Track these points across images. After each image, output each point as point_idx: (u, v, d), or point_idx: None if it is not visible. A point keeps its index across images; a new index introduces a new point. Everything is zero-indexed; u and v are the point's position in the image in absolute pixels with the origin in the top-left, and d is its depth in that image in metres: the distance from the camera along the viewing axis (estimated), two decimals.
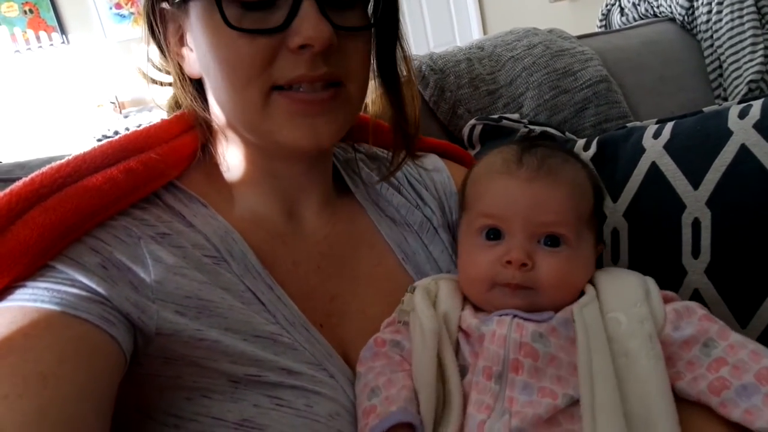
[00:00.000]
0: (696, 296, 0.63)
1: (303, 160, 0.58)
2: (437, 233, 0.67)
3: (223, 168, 0.59)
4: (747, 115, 0.63)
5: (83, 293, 0.43)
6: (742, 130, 0.62)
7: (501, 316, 0.49)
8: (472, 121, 0.91)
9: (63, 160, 0.49)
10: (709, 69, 0.99)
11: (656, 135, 0.71)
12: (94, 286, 0.43)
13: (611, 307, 0.48)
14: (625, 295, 0.49)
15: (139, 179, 0.52)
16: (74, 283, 0.43)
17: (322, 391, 0.48)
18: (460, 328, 0.51)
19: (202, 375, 0.46)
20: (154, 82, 0.61)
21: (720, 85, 0.97)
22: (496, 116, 0.89)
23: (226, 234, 0.53)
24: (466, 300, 0.54)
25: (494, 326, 0.48)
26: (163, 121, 0.60)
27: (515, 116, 0.89)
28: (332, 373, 0.50)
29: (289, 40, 0.47)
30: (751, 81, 0.89)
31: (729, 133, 0.63)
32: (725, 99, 0.96)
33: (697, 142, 0.66)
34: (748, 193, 0.60)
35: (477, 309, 0.53)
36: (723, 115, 0.66)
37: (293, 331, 0.50)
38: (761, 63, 0.89)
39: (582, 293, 0.52)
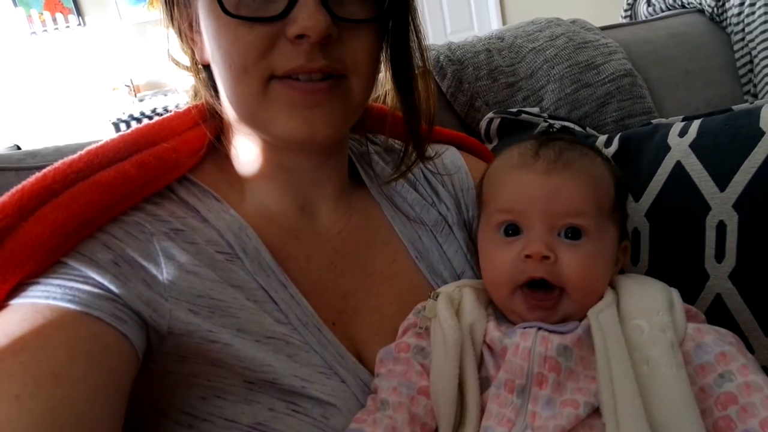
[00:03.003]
0: (718, 302, 0.61)
1: (315, 154, 0.57)
2: (452, 232, 0.66)
3: (236, 161, 0.58)
4: None
5: (96, 290, 0.42)
6: None
7: (525, 328, 0.47)
8: (490, 114, 0.89)
9: (75, 155, 0.48)
10: (739, 64, 0.96)
11: (682, 133, 0.69)
12: (106, 283, 0.43)
13: (633, 314, 0.47)
14: (648, 303, 0.47)
15: (152, 173, 0.51)
16: (87, 280, 0.43)
17: (337, 403, 0.47)
18: (484, 341, 0.50)
19: (216, 375, 0.46)
20: (179, 65, 0.59)
21: (750, 80, 0.93)
22: (514, 110, 0.87)
23: (239, 229, 0.52)
24: (490, 311, 0.53)
25: (518, 339, 0.46)
26: (176, 112, 0.59)
27: (535, 110, 0.86)
28: (344, 378, 0.49)
29: (287, 29, 0.46)
30: None
31: (761, 134, 0.61)
32: (755, 96, 0.92)
33: (725, 142, 0.64)
34: None
35: (501, 320, 0.51)
36: (754, 114, 0.63)
37: (305, 332, 0.49)
38: None
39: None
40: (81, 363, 0.39)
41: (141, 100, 3.50)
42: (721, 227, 0.61)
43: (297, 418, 0.45)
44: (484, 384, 0.48)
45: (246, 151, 0.57)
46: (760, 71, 0.91)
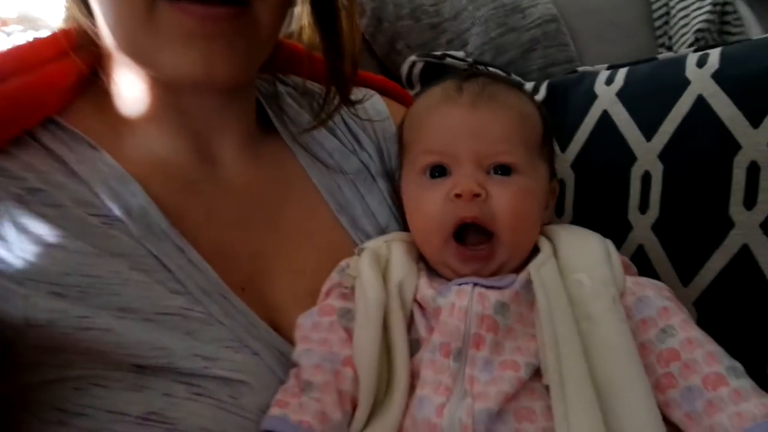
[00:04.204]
0: (640, 252, 0.61)
1: (215, 95, 0.48)
2: (375, 182, 0.60)
3: (117, 99, 0.48)
4: (705, 63, 0.59)
5: None
6: (699, 80, 0.58)
7: (460, 285, 0.43)
8: (413, 58, 0.83)
9: None
10: (655, 15, 0.96)
11: (609, 81, 0.67)
12: None
13: (573, 267, 0.45)
14: (588, 256, 0.45)
15: (3, 115, 0.40)
16: None
17: (248, 380, 0.41)
18: (415, 299, 0.45)
19: (96, 361, 0.38)
20: None
21: (665, 33, 0.94)
22: (439, 53, 0.82)
23: (121, 184, 0.43)
24: (421, 265, 0.48)
25: (453, 298, 0.42)
26: (36, 39, 0.47)
27: (460, 54, 0.81)
28: (256, 350, 0.43)
29: None
30: (698, 30, 0.87)
31: (686, 83, 0.59)
32: (669, 48, 0.93)
33: (651, 91, 0.62)
34: (702, 147, 0.57)
35: (432, 276, 0.47)
36: (680, 63, 0.62)
37: (208, 302, 0.42)
38: (709, 12, 0.87)
39: (536, 249, 0.47)
40: None
41: (9, 35, 3.06)
42: (646, 177, 0.60)
43: (199, 402, 0.39)
44: (414, 347, 0.44)
45: (130, 88, 0.47)
46: (675, 23, 0.92)
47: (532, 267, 0.44)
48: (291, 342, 0.46)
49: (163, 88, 0.46)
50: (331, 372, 0.42)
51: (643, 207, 0.60)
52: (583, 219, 0.65)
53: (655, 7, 0.96)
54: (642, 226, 0.60)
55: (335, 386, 0.42)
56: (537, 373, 0.40)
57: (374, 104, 0.65)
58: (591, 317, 0.42)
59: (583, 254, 0.46)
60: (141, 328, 0.38)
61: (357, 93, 0.60)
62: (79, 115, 0.47)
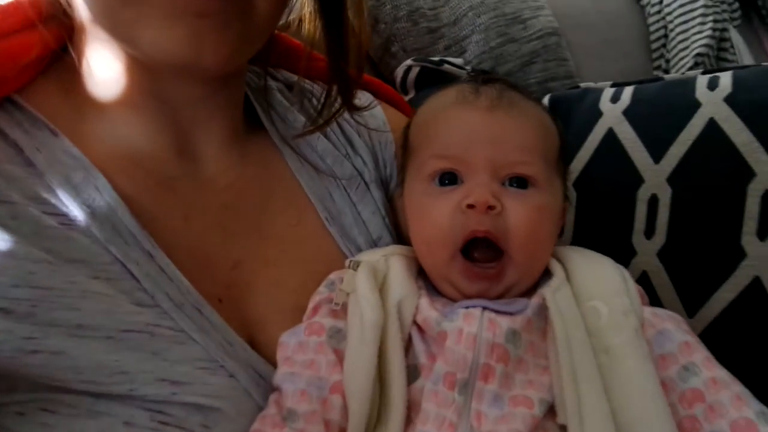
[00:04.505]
0: (644, 279, 0.58)
1: (201, 82, 0.43)
2: (368, 190, 0.56)
3: (88, 80, 0.42)
4: (717, 86, 0.57)
5: None
6: (711, 103, 0.56)
7: (468, 308, 0.39)
8: (409, 62, 0.80)
9: None
10: (653, 38, 0.95)
11: (614, 99, 0.64)
12: None
13: (588, 294, 0.41)
14: (604, 282, 0.42)
15: None
16: None
17: (223, 407, 0.36)
18: (414, 321, 0.41)
19: (44, 386, 0.32)
20: None
21: (662, 56, 0.93)
22: (436, 58, 0.78)
23: (84, 177, 0.38)
24: (421, 283, 0.44)
25: (461, 322, 0.38)
26: None
27: (459, 61, 0.78)
28: (232, 371, 0.38)
29: None
30: (698, 54, 0.86)
31: (696, 105, 0.57)
32: (666, 71, 0.92)
33: (661, 111, 0.60)
34: (714, 172, 0.54)
35: (434, 295, 0.43)
36: (689, 84, 0.60)
37: (179, 316, 0.37)
38: (709, 36, 0.86)
39: (546, 273, 0.44)
40: None
41: None
42: (653, 201, 0.57)
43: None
44: (412, 374, 0.39)
45: (104, 67, 0.41)
46: (674, 46, 0.91)
47: (548, 292, 0.40)
48: (270, 361, 0.42)
49: (142, 69, 0.40)
50: (317, 399, 0.38)
51: (649, 232, 0.57)
52: (584, 241, 0.62)
53: (652, 28, 0.95)
54: (647, 251, 0.57)
55: (321, 416, 0.37)
56: (550, 410, 0.36)
57: (373, 112, 0.60)
58: (610, 350, 0.38)
59: (597, 280, 0.42)
60: (100, 348, 0.33)
61: (360, 97, 0.56)
62: (41, 96, 0.41)
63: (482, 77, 0.48)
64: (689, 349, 0.39)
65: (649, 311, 0.41)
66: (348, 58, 0.49)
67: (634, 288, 0.42)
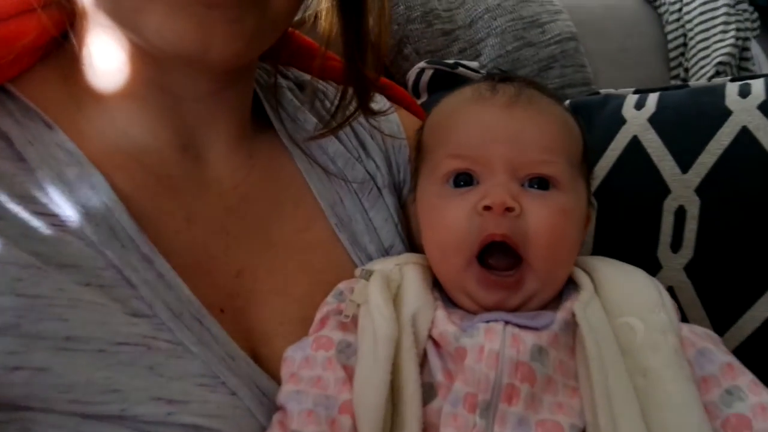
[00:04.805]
0: (670, 295, 0.55)
1: (209, 77, 0.41)
2: (381, 195, 0.53)
3: (89, 69, 0.40)
4: (749, 94, 0.55)
5: None
6: (743, 111, 0.54)
7: (488, 322, 0.36)
8: (422, 64, 0.78)
9: None
10: (671, 46, 0.93)
11: (639, 105, 0.62)
12: None
13: (620, 309, 0.38)
14: (638, 296, 0.39)
15: None
16: None
17: (222, 428, 0.33)
18: (430, 335, 0.38)
19: (26, 405, 0.29)
20: None
21: (680, 64, 0.91)
22: (451, 61, 0.76)
23: (79, 175, 0.35)
24: (436, 294, 0.41)
25: (482, 338, 0.35)
26: None
27: (474, 64, 0.76)
28: (234, 388, 0.35)
29: None
30: (719, 63, 0.84)
31: (727, 113, 0.55)
32: (684, 80, 0.90)
33: (689, 119, 0.57)
34: (746, 183, 0.52)
35: (451, 307, 0.40)
36: (717, 91, 0.58)
37: (178, 327, 0.34)
38: (732, 45, 0.84)
39: (572, 282, 0.41)
40: None
41: None
42: (680, 213, 0.55)
43: None
44: (427, 393, 0.36)
45: (106, 56, 0.39)
46: (694, 55, 0.89)
47: (578, 307, 0.37)
48: (274, 377, 0.39)
49: (147, 60, 0.38)
50: (325, 420, 0.35)
51: (676, 245, 0.55)
52: (605, 252, 0.58)
53: (671, 36, 0.93)
54: (673, 266, 0.55)
55: None
56: None
57: (380, 104, 0.58)
58: (648, 372, 0.35)
59: (630, 294, 0.39)
60: (90, 363, 0.30)
61: (378, 101, 0.53)
62: (38, 85, 0.39)
63: (499, 75, 0.46)
64: (732, 371, 0.36)
65: (686, 328, 0.39)
66: (366, 59, 0.47)
67: (670, 303, 0.39)
